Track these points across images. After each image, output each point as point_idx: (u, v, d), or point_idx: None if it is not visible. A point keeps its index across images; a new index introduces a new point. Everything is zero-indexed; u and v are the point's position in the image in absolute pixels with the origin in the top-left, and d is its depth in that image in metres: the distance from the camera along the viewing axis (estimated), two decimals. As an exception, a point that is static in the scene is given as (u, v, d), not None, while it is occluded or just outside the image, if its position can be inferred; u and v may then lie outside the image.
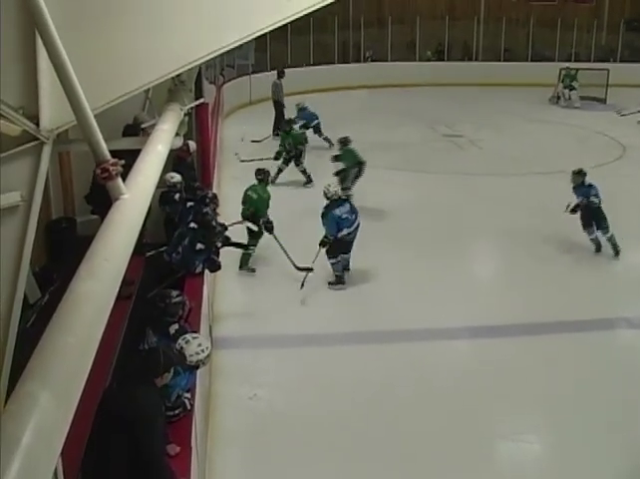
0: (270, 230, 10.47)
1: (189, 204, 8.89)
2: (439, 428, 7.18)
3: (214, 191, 10.57)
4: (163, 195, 9.27)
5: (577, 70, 25.98)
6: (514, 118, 22.72)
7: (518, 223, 12.85)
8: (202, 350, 5.41)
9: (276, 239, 10.45)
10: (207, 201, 8.90)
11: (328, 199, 10.13)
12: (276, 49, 26.43)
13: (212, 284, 9.46)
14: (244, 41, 3.67)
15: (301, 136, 15.71)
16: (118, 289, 2.60)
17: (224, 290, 10.16)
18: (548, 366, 8.29)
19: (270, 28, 3.69)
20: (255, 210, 10.59)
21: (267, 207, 10.75)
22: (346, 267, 10.38)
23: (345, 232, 10.05)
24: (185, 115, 7.11)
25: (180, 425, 5.31)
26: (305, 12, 3.73)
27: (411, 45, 30.27)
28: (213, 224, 8.55)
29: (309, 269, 10.13)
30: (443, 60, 30.56)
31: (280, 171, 15.15)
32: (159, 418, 4.65)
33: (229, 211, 10.98)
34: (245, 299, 10.18)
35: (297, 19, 3.78)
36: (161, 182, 4.89)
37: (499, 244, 12.31)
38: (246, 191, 10.86)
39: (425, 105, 24.83)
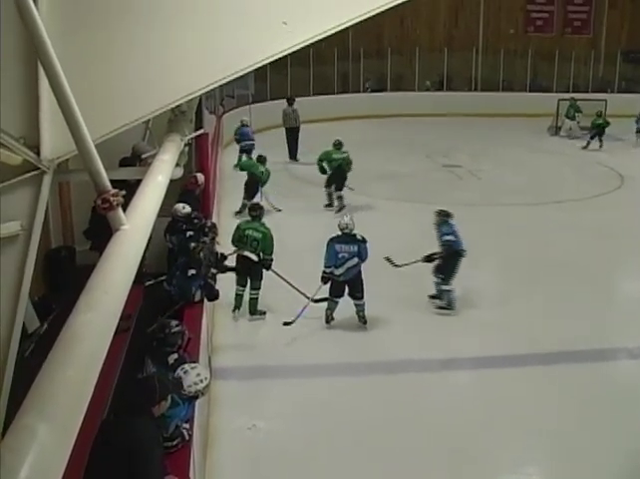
0: (268, 267, 10.11)
1: (189, 233, 8.89)
2: (441, 461, 7.13)
3: (214, 220, 10.57)
4: (171, 225, 9.25)
5: (576, 100, 26.15)
6: (513, 148, 22.80)
7: (518, 253, 12.85)
8: (201, 380, 5.39)
9: (278, 275, 10.15)
10: (207, 230, 8.91)
11: (340, 229, 9.82)
12: (276, 80, 26.58)
13: (212, 314, 9.43)
14: (244, 73, 3.68)
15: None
16: (117, 322, 2.58)
17: (224, 320, 10.12)
18: (548, 397, 8.24)
19: (270, 59, 3.70)
20: (263, 249, 10.04)
21: (272, 245, 10.11)
22: (359, 314, 9.93)
23: (337, 271, 9.72)
24: (186, 145, 7.12)
25: (179, 456, 5.26)
26: (305, 43, 3.75)
27: (410, 76, 30.45)
28: (196, 251, 8.50)
29: (325, 299, 10.01)
30: (441, 90, 30.76)
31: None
32: (156, 449, 4.61)
33: (228, 240, 10.97)
34: (245, 330, 10.12)
35: (297, 50, 3.79)
36: (164, 211, 4.90)
37: (500, 275, 12.31)
38: (244, 229, 10.15)
39: (423, 135, 24.94)
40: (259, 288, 10.21)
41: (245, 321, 10.25)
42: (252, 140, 19.05)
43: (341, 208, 15.14)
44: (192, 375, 5.37)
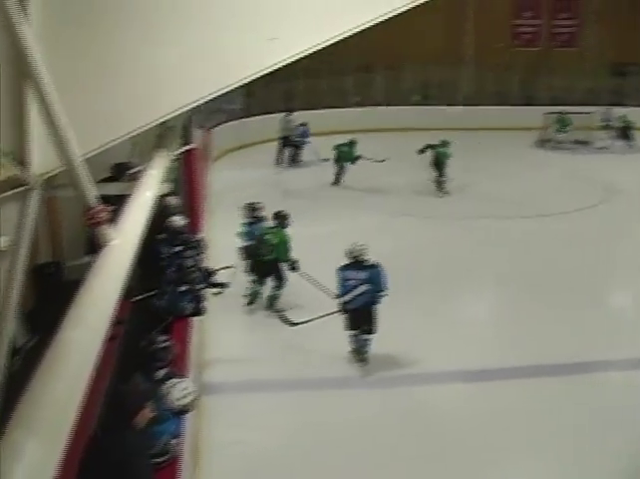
0: (297, 269, 10.52)
1: (177, 248, 8.86)
2: (437, 476, 7.14)
3: (203, 235, 10.56)
4: (164, 238, 9.19)
5: (566, 114, 26.33)
6: (502, 161, 22.86)
7: (510, 265, 12.91)
8: (188, 394, 5.37)
9: (305, 276, 10.36)
10: (193, 245, 8.90)
11: (348, 257, 9.31)
12: (265, 94, 26.61)
13: (202, 328, 9.41)
14: (232, 88, 3.71)
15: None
16: (105, 336, 2.58)
17: (214, 334, 10.08)
18: (543, 410, 8.28)
19: (258, 74, 3.73)
20: (278, 255, 10.47)
21: (288, 251, 10.57)
22: (360, 350, 9.43)
23: (346, 297, 9.18)
24: (174, 160, 7.14)
25: (169, 471, 5.25)
26: (295, 58, 3.79)
27: (398, 89, 30.52)
28: (188, 264, 8.49)
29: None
30: (430, 104, 30.75)
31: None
32: (143, 463, 4.60)
33: (218, 255, 10.98)
34: (236, 343, 10.12)
35: (285, 65, 3.83)
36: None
37: (495, 287, 12.38)
38: (263, 234, 10.71)
39: (412, 148, 24.96)
40: (281, 287, 10.84)
41: (238, 334, 10.24)
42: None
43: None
44: (178, 390, 5.36)
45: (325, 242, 11.87)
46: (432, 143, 19.17)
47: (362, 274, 9.07)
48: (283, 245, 10.56)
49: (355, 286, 9.09)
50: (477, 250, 13.73)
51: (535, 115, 26.88)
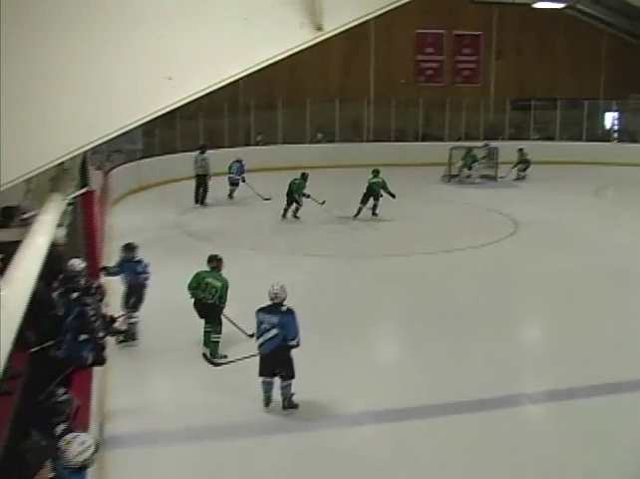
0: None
1: (74, 294, 8.68)
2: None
3: (102, 281, 10.41)
4: (62, 283, 8.99)
5: (472, 148, 27.05)
6: (408, 197, 23.16)
7: (417, 302, 13.06)
8: (86, 449, 5.23)
9: (227, 318, 10.95)
10: (93, 291, 8.73)
11: (270, 298, 9.23)
12: (165, 134, 26.50)
13: (103, 379, 9.20)
14: (130, 128, 3.69)
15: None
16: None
17: (116, 384, 9.82)
18: (452, 449, 8.36)
19: (156, 114, 3.73)
20: (220, 297, 10.64)
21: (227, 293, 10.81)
22: (265, 396, 9.32)
23: (257, 341, 9.22)
24: (69, 204, 7.02)
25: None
26: (190, 98, 3.80)
27: (302, 127, 30.76)
28: (89, 313, 8.34)
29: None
30: (334, 141, 31.17)
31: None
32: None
33: (118, 301, 10.83)
34: (142, 392, 9.87)
35: (185, 104, 3.84)
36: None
37: (401, 326, 12.48)
38: (204, 277, 10.76)
39: (317, 187, 25.16)
40: (220, 333, 10.77)
41: (141, 383, 10.04)
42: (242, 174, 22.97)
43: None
44: (76, 445, 5.21)
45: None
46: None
47: (274, 319, 9.04)
48: (225, 289, 10.69)
49: (267, 330, 9.05)
50: (383, 289, 13.89)
51: (441, 150, 27.44)
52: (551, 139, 33.14)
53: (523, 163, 27.63)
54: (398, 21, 29.53)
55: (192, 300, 10.77)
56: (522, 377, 10.49)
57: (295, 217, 20.42)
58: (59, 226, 5.39)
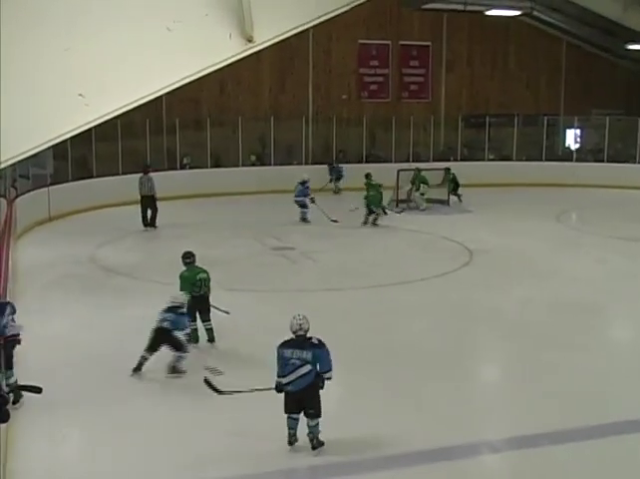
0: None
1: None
2: None
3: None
4: None
5: (421, 171, 27.17)
6: (349, 225, 23.28)
7: (360, 340, 13.04)
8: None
9: (215, 307, 12.87)
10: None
11: (292, 332, 9.37)
12: (78, 156, 26.26)
13: (5, 438, 8.98)
14: (37, 150, 3.65)
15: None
16: None
17: (21, 444, 9.60)
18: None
19: (67, 135, 3.70)
20: (207, 286, 12.75)
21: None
22: (290, 433, 9.36)
23: (285, 379, 9.18)
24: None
25: None
26: (109, 116, 3.78)
27: (233, 149, 30.61)
28: None
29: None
30: (268, 164, 31.09)
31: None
32: None
33: (27, 347, 10.62)
34: (51, 452, 9.65)
35: (101, 123, 3.81)
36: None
37: (342, 366, 12.45)
38: (195, 275, 12.65)
39: (250, 215, 25.17)
40: (210, 320, 12.82)
41: (53, 442, 9.82)
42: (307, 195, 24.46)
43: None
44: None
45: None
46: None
47: (306, 354, 9.16)
48: (209, 281, 12.79)
49: (298, 366, 9.13)
50: (323, 326, 13.73)
51: (387, 173, 27.26)
52: (508, 159, 33.59)
53: (452, 182, 28.08)
54: (338, 31, 29.90)
55: (188, 302, 12.16)
56: (482, 424, 10.53)
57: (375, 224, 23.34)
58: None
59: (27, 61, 3.59)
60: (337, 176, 30.42)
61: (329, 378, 9.25)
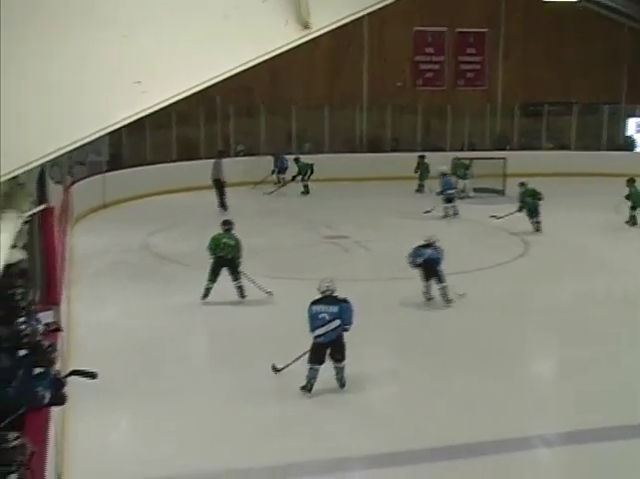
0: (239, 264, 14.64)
1: (22, 352, 8.33)
2: None
3: (62, 310, 10.33)
4: None
5: (472, 160, 26.97)
6: (405, 214, 23.22)
7: (415, 331, 13.03)
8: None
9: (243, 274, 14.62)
10: (43, 351, 8.49)
11: (320, 292, 10.82)
12: (133, 144, 26.49)
13: (61, 421, 9.10)
14: (93, 138, 3.67)
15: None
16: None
17: (78, 428, 9.71)
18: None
19: (126, 121, 3.71)
20: (234, 253, 14.53)
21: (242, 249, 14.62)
22: (310, 382, 10.63)
23: (317, 332, 10.56)
24: (25, 223, 7.00)
25: None
26: (165, 103, 3.79)
27: (287, 137, 30.69)
28: (43, 342, 8.17)
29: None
30: (322, 152, 30.79)
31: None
32: None
33: (82, 336, 10.73)
34: (104, 437, 9.76)
35: (155, 111, 3.83)
36: None
37: (396, 357, 12.45)
38: (221, 238, 14.58)
39: (302, 203, 25.15)
40: (240, 278, 14.69)
41: (105, 427, 9.93)
42: (455, 188, 24.44)
43: None
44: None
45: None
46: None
47: (333, 308, 10.61)
48: (239, 246, 14.54)
49: (329, 321, 10.55)
50: (377, 316, 13.75)
51: (442, 162, 27.02)
52: (566, 148, 33.20)
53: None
54: (394, 18, 29.61)
55: (212, 260, 14.42)
56: (536, 418, 10.47)
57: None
58: (13, 247, 5.37)
59: (85, 48, 3.61)
60: (281, 167, 28.15)
61: (347, 330, 10.66)
